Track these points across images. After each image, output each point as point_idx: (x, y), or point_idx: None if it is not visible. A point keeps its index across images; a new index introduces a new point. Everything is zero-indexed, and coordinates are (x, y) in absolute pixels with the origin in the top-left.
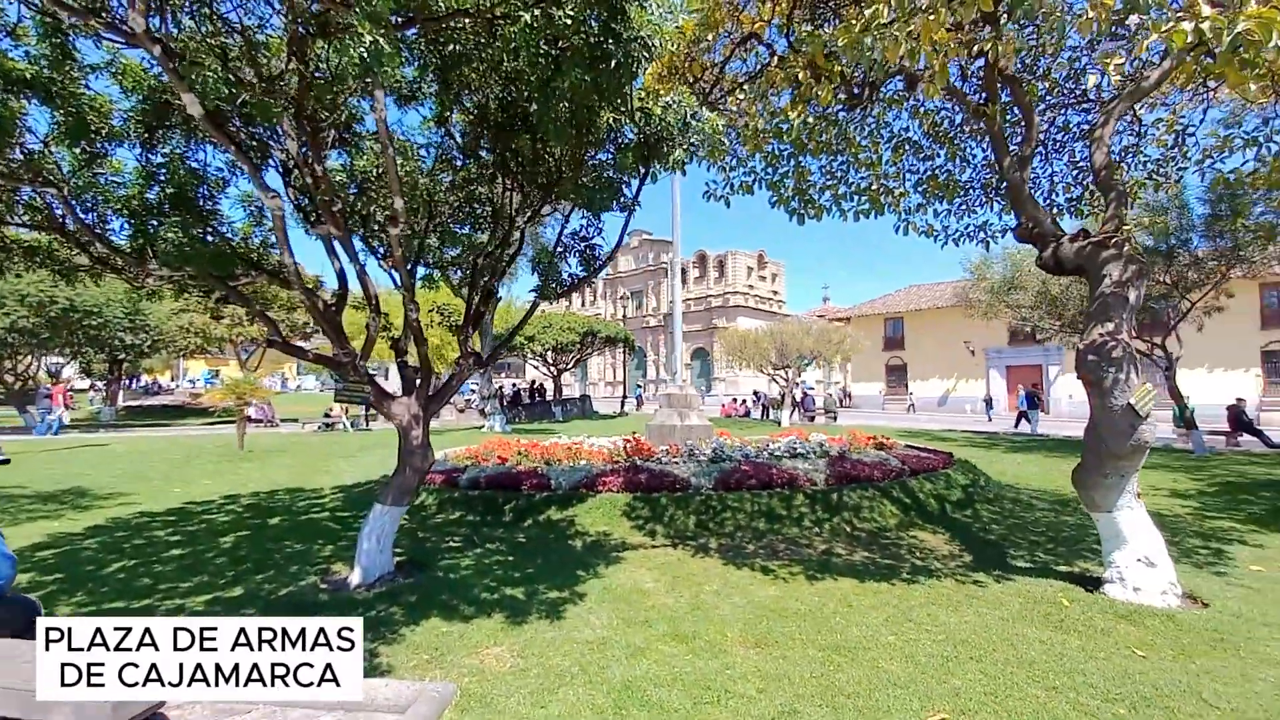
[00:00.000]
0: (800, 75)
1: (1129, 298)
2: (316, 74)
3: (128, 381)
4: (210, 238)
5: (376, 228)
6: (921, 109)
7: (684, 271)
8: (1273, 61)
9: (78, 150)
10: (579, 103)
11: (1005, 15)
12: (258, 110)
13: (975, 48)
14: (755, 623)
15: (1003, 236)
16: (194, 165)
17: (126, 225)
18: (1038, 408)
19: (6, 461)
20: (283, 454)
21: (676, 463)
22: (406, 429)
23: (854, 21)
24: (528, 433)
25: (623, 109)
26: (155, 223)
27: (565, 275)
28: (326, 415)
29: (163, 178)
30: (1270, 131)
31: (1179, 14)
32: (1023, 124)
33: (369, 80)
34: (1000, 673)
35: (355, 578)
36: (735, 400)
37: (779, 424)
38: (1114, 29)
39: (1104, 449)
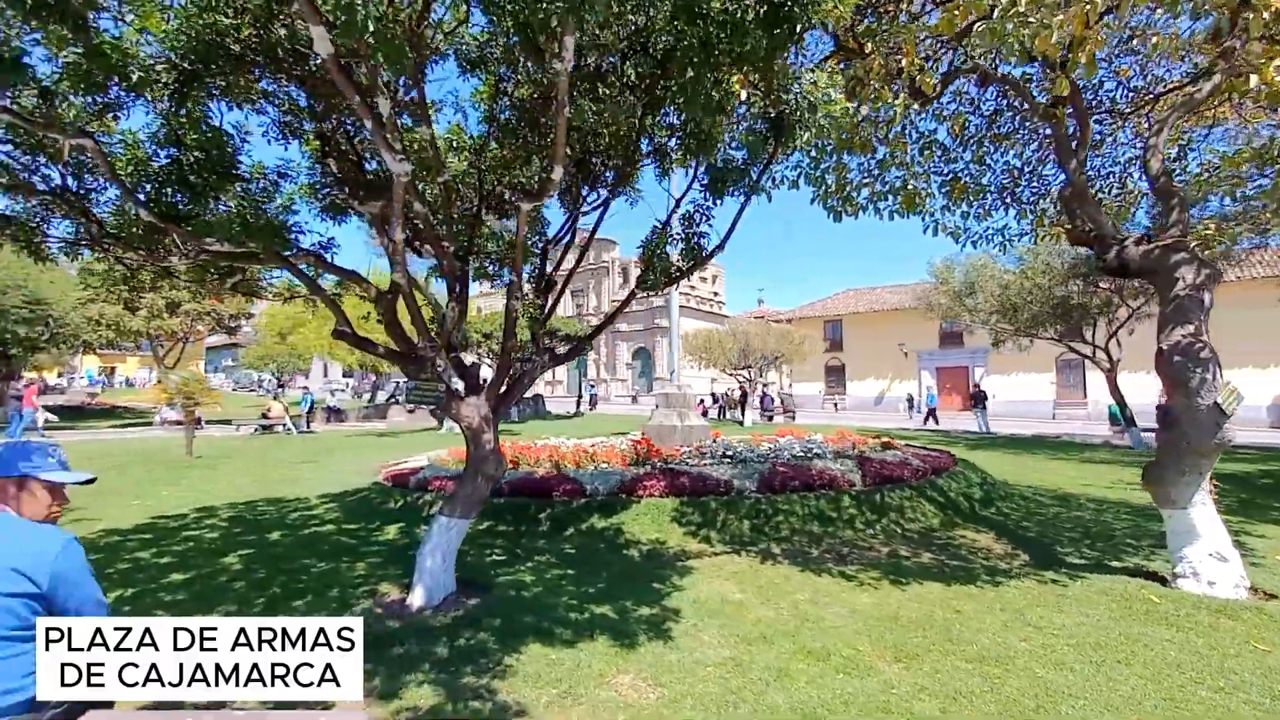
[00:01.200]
0: (905, 63)
1: (1204, 300)
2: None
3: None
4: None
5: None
6: (945, 112)
7: (625, 270)
8: None
9: (87, 100)
10: (724, 70)
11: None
12: (386, 51)
13: (1090, 47)
14: (879, 635)
15: (1019, 240)
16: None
17: (141, 194)
18: (984, 406)
19: None
20: (230, 460)
21: (707, 464)
22: (477, 432)
23: (955, 11)
24: None
25: (764, 80)
26: (170, 191)
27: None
28: (264, 416)
29: (185, 138)
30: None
31: None
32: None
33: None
34: (1158, 675)
35: (417, 599)
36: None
37: (741, 424)
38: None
39: (1186, 446)
